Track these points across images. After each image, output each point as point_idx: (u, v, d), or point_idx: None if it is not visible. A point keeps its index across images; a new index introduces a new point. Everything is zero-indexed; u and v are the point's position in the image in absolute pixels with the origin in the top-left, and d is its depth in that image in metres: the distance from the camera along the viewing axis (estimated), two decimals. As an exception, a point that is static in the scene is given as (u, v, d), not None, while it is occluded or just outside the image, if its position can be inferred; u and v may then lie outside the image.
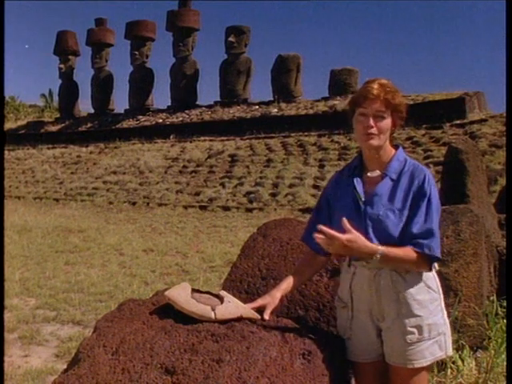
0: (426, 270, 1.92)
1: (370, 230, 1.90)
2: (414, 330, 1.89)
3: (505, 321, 3.25)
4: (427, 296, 1.92)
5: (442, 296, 1.99)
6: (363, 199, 1.95)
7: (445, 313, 1.98)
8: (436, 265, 1.99)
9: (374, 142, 1.92)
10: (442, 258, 1.94)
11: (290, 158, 18.62)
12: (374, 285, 1.93)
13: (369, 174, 1.98)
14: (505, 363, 2.83)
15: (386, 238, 1.89)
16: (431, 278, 1.95)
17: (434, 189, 1.91)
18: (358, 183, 1.98)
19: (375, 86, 1.90)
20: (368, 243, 1.85)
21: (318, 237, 1.84)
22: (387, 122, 1.92)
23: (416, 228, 1.87)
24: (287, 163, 18.15)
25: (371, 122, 1.90)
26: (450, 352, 1.99)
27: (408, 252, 1.86)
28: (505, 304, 3.39)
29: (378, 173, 1.97)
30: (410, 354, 1.90)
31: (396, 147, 2.02)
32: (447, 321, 1.99)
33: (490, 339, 3.30)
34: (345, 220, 1.83)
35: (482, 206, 4.78)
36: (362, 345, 2.00)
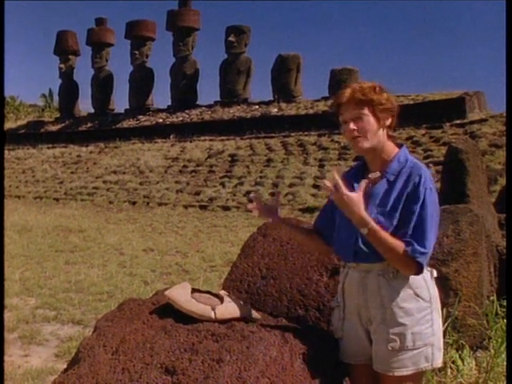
0: (408, 272, 1.85)
1: (360, 234, 1.87)
2: (396, 338, 1.85)
3: (505, 321, 3.25)
4: (414, 304, 1.86)
5: (435, 306, 1.91)
6: None
7: (435, 324, 1.90)
8: (435, 272, 1.94)
9: (363, 144, 1.88)
10: (423, 266, 1.83)
11: (290, 157, 18.62)
12: (362, 288, 1.91)
13: (370, 176, 1.94)
14: (505, 363, 2.83)
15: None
16: (423, 286, 1.88)
17: (429, 191, 1.83)
18: (356, 188, 1.93)
19: (346, 90, 1.89)
20: (363, 213, 1.80)
21: (328, 181, 1.82)
22: (368, 120, 1.87)
23: (406, 232, 1.81)
24: (287, 163, 18.16)
25: (351, 125, 1.87)
26: (438, 364, 1.92)
27: (397, 243, 1.80)
28: (505, 304, 3.38)
29: (378, 174, 1.93)
30: (392, 361, 1.86)
31: (400, 146, 1.96)
32: (438, 332, 1.92)
33: (490, 339, 3.29)
34: (362, 182, 1.82)
35: (482, 205, 4.78)
36: (352, 346, 1.98)
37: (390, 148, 1.94)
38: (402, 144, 1.98)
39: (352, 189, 1.91)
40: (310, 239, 2.14)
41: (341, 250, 2.01)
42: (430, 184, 1.85)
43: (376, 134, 1.89)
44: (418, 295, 1.87)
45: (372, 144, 1.89)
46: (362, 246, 1.89)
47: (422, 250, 1.80)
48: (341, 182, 1.80)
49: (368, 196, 1.89)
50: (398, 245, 1.81)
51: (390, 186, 1.88)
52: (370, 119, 1.87)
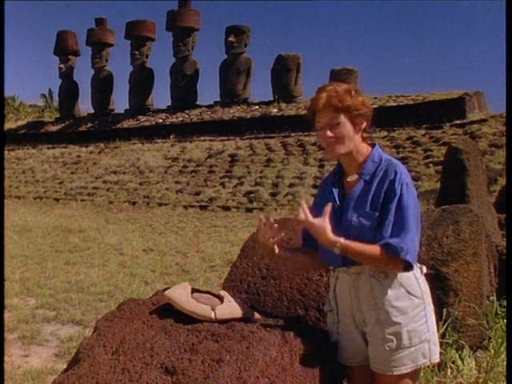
0: (397, 270, 1.85)
1: (346, 237, 1.86)
2: (393, 338, 1.85)
3: (505, 321, 3.25)
4: (407, 303, 1.87)
5: (427, 302, 1.92)
6: (339, 203, 1.94)
7: (430, 319, 1.91)
8: (424, 268, 1.94)
9: (340, 150, 1.90)
10: (410, 261, 1.83)
11: (290, 157, 18.62)
12: (354, 290, 1.92)
13: (348, 179, 1.96)
14: (505, 363, 2.83)
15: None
16: (414, 284, 1.89)
17: (406, 187, 1.83)
18: (336, 193, 1.97)
19: (321, 96, 1.88)
20: (330, 235, 1.82)
21: (301, 209, 1.87)
22: (345, 127, 1.88)
23: (385, 230, 1.81)
24: (287, 163, 18.16)
25: (328, 133, 1.89)
26: (435, 359, 1.92)
27: (373, 248, 1.81)
28: (505, 304, 3.38)
29: (356, 176, 1.93)
30: (390, 360, 1.87)
31: (373, 146, 1.97)
32: (433, 327, 1.92)
33: (490, 339, 3.29)
34: (327, 206, 1.84)
35: (482, 205, 4.78)
36: (349, 348, 1.98)
37: (364, 149, 1.95)
38: (375, 143, 1.98)
39: (331, 194, 1.96)
40: (311, 257, 2.07)
41: (328, 256, 1.96)
42: (406, 179, 1.85)
43: (352, 139, 1.90)
44: (410, 293, 1.88)
45: (348, 149, 1.91)
46: None
47: (402, 245, 1.79)
48: (306, 210, 1.85)
49: (348, 200, 1.92)
50: (375, 249, 1.81)
51: (366, 187, 1.89)
52: (346, 125, 1.88)
